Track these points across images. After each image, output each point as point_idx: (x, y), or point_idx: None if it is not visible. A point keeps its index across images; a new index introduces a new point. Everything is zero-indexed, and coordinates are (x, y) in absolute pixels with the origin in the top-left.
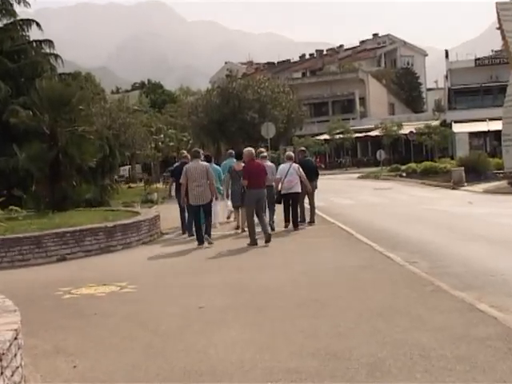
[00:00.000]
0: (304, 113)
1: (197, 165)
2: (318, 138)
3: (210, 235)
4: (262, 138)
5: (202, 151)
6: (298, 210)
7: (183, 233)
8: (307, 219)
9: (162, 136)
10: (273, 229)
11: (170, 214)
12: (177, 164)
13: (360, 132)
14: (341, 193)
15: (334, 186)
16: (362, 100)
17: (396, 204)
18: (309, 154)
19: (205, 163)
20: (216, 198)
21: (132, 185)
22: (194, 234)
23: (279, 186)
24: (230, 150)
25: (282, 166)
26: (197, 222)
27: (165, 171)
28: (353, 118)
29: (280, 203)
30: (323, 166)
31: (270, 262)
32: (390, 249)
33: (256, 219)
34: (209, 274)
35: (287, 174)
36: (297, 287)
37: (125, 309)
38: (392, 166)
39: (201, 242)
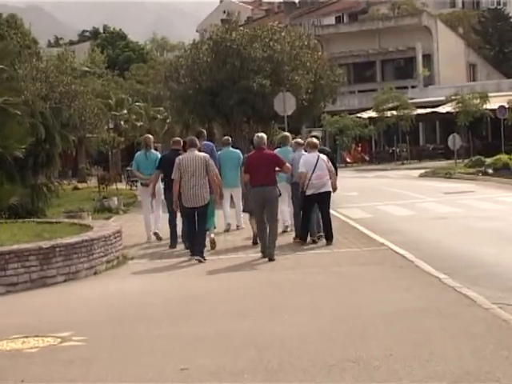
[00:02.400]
0: (339, 78)
1: (193, 156)
2: (359, 115)
3: (202, 252)
4: (276, 115)
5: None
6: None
7: (171, 246)
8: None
9: (124, 112)
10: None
11: (137, 228)
12: (165, 153)
13: (423, 107)
14: (394, 198)
15: (383, 187)
16: (427, 58)
17: (478, 216)
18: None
19: (203, 154)
20: (221, 198)
21: (80, 185)
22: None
23: (303, 184)
24: (227, 137)
25: (305, 157)
26: (190, 229)
27: (129, 164)
28: (412, 87)
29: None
30: (367, 157)
31: (288, 300)
32: (469, 283)
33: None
34: (197, 318)
35: (315, 168)
36: (327, 341)
37: (68, 372)
38: (472, 158)
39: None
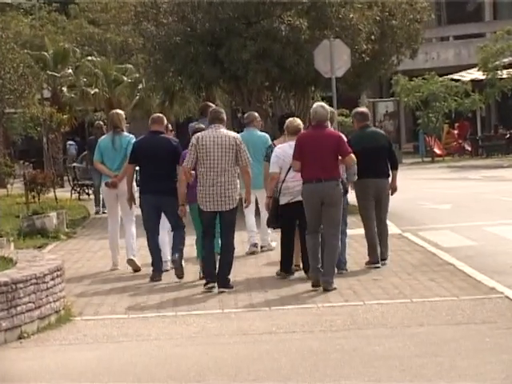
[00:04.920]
0: (422, 16)
1: (218, 135)
2: (456, 77)
3: (228, 283)
4: (319, 77)
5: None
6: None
7: (154, 277)
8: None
9: (69, 71)
10: (344, 269)
11: (90, 262)
12: (141, 138)
13: None
14: None
15: (495, 196)
16: None
17: None
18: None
19: (233, 134)
20: (247, 204)
21: None
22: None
23: (271, 189)
24: (252, 112)
25: (280, 150)
26: (208, 245)
27: (77, 158)
28: None
29: (276, 226)
30: (468, 146)
31: (337, 382)
32: None
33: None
34: None
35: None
36: None
37: None
38: None
39: (212, 279)
